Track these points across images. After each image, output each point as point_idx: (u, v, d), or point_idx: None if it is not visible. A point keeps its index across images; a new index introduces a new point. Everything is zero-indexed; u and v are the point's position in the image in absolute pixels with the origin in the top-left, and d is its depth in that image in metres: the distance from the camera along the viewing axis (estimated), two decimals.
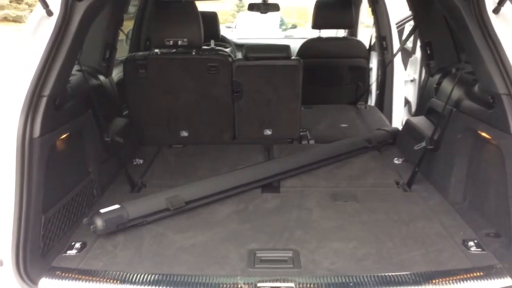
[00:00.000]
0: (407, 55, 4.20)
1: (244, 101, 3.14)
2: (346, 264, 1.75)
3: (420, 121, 2.77)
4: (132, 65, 3.04)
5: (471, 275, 1.66)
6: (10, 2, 23.82)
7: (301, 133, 3.29)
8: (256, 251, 1.82)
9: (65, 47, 1.87)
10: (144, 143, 3.11)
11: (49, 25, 1.85)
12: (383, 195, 2.36)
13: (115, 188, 2.44)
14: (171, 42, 2.98)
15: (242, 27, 14.34)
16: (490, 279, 1.64)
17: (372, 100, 4.45)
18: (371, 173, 2.62)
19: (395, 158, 2.84)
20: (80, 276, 1.69)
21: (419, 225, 2.04)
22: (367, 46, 4.31)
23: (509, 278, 1.64)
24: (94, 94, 2.38)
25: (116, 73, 3.30)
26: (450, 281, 1.63)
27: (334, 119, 3.61)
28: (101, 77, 2.80)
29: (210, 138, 3.20)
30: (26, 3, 24.83)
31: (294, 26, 14.05)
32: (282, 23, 15.09)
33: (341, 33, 5.17)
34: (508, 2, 1.86)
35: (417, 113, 3.26)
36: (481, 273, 1.67)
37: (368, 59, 4.19)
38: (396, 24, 4.09)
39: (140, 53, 3.31)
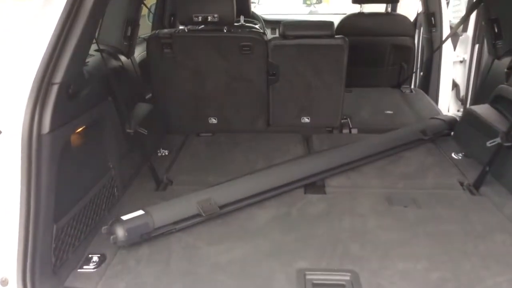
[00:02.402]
0: (456, 34, 3.80)
1: (280, 85, 2.81)
2: None
3: (486, 111, 2.40)
4: (157, 43, 2.72)
5: None
6: None
7: (342, 121, 2.95)
8: (306, 272, 1.52)
9: (80, 24, 1.54)
10: (169, 131, 2.83)
11: None
12: (448, 199, 2.02)
13: (139, 186, 2.16)
14: (200, 18, 2.65)
15: (265, 2, 13.89)
16: None
17: (416, 83, 4.08)
18: (430, 171, 2.28)
19: (453, 153, 2.49)
20: None
21: (498, 239, 1.71)
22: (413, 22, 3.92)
23: None
24: (115, 78, 2.08)
25: (139, 53, 3.01)
26: None
27: (378, 105, 3.26)
28: (122, 58, 2.51)
29: (242, 125, 2.89)
30: None
31: (319, 1, 13.56)
32: None
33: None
34: None
35: (477, 101, 2.88)
36: None
37: (414, 37, 3.80)
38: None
39: (165, 30, 2.98)
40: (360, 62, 3.56)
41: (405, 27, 3.69)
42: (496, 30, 2.48)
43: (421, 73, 3.95)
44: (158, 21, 3.69)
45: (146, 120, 2.40)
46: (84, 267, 1.58)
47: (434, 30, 3.65)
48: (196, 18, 2.66)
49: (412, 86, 3.98)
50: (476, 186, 2.11)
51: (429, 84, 3.74)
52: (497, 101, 2.37)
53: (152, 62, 2.80)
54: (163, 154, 2.55)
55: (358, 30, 3.60)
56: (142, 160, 2.27)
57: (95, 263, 1.59)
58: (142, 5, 2.73)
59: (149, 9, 3.45)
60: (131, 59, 2.66)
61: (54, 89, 1.48)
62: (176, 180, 2.24)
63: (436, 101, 3.62)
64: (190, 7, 2.67)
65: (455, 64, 3.84)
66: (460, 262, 1.58)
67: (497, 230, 1.77)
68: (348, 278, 1.50)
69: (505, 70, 2.34)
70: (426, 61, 3.75)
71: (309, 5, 14.26)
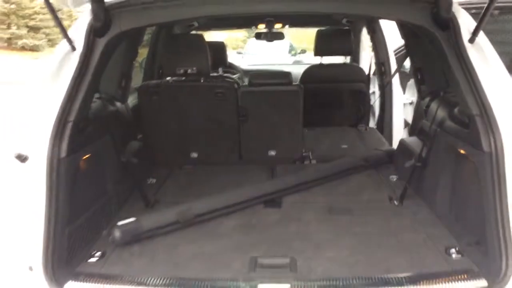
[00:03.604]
0: (405, 79, 4.42)
1: (249, 124, 3.38)
2: (338, 269, 1.94)
3: (412, 141, 2.97)
4: (146, 92, 3.31)
5: (450, 277, 1.85)
6: (28, 31, 24.58)
7: (303, 154, 3.51)
8: (257, 258, 2.03)
9: (87, 78, 2.12)
10: (156, 164, 3.34)
11: (74, 58, 2.11)
12: (376, 209, 2.55)
13: (131, 204, 2.67)
14: (182, 71, 3.25)
15: (252, 53, 14.68)
16: (467, 281, 1.83)
17: (369, 122, 4.66)
18: (367, 190, 2.83)
19: (391, 176, 3.04)
20: (100, 280, 1.90)
21: (406, 236, 2.23)
22: (368, 71, 4.55)
23: (484, 280, 1.82)
24: (112, 119, 2.64)
25: (131, 100, 3.57)
26: (431, 282, 1.82)
27: (336, 141, 3.83)
28: (118, 104, 3.06)
29: (218, 159, 3.43)
30: (43, 33, 25.62)
31: (303, 51, 14.32)
32: (291, 48, 15.43)
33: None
34: (481, 32, 2.08)
35: (411, 133, 3.47)
36: (459, 276, 1.85)
37: (367, 83, 4.42)
38: (394, 51, 4.33)
39: (154, 81, 3.59)
40: (321, 105, 4.16)
41: (359, 75, 4.31)
42: (419, 77, 3.08)
43: (377, 114, 4.55)
44: (148, 73, 4.29)
45: (137, 153, 2.92)
46: (90, 259, 2.07)
47: (384, 77, 4.27)
48: (179, 71, 3.26)
49: (371, 125, 4.57)
50: (400, 200, 2.64)
51: (384, 123, 4.33)
52: (420, 133, 2.94)
53: (142, 107, 3.38)
54: (151, 182, 3.06)
55: (319, 78, 4.22)
56: (133, 186, 2.79)
57: (97, 257, 2.09)
58: (134, 61, 3.32)
59: (140, 64, 4.06)
60: (125, 105, 3.22)
61: (69, 125, 2.02)
62: (162, 200, 2.74)
63: (390, 137, 4.19)
64: (174, 62, 3.27)
65: (406, 106, 4.45)
66: (374, 251, 2.09)
67: (407, 230, 2.29)
68: (288, 261, 2.00)
69: (424, 108, 2.93)
70: (380, 103, 4.36)
71: (294, 55, 15.08)
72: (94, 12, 2.12)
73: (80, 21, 2.18)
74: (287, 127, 3.39)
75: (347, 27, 4.78)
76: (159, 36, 4.28)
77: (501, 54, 4.66)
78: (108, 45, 2.19)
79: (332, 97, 4.24)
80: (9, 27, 24.38)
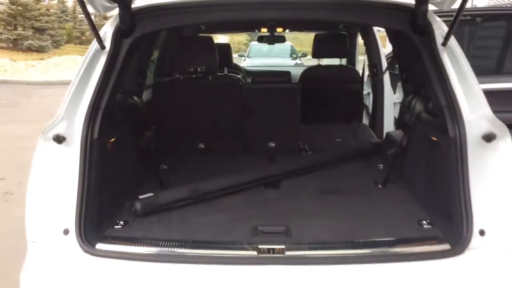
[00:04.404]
0: (396, 80, 4.80)
1: (252, 118, 3.75)
2: (325, 235, 2.30)
3: (397, 133, 3.34)
4: (160, 88, 3.69)
5: (420, 242, 2.20)
6: (33, 33, 25.01)
7: (301, 146, 3.88)
8: (258, 226, 2.39)
9: (114, 73, 2.48)
10: (168, 152, 3.71)
11: (103, 56, 2.47)
12: (362, 191, 2.92)
13: (147, 185, 3.02)
14: (192, 69, 3.63)
15: (254, 56, 15.02)
16: (434, 245, 2.18)
17: (367, 120, 5.04)
18: (355, 175, 3.19)
19: (378, 164, 3.40)
20: (125, 242, 2.25)
21: (385, 211, 2.60)
22: (361, 72, 4.93)
23: (447, 244, 2.17)
24: (131, 110, 3.00)
25: (146, 95, 3.94)
26: (403, 246, 2.18)
27: (330, 135, 4.20)
28: (135, 98, 3.43)
29: (223, 149, 3.80)
30: (48, 34, 26.06)
31: (304, 55, 14.67)
32: (293, 52, 15.80)
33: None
34: (452, 37, 2.44)
35: (397, 127, 3.84)
36: (428, 241, 2.21)
37: (361, 83, 4.80)
38: (386, 56, 4.70)
39: (167, 78, 3.97)
40: (318, 103, 4.53)
41: (353, 76, 4.70)
42: (404, 77, 3.45)
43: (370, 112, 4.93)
44: (159, 70, 4.67)
45: (151, 142, 3.29)
46: (115, 226, 2.43)
47: (376, 78, 4.65)
48: (189, 69, 3.64)
49: (364, 122, 4.95)
50: (384, 183, 3.01)
51: (376, 120, 4.70)
52: (403, 126, 3.31)
53: (156, 101, 3.75)
54: (163, 168, 3.43)
55: (316, 79, 4.60)
56: (149, 169, 3.15)
57: (121, 225, 2.44)
58: (150, 60, 3.69)
59: (154, 63, 4.45)
60: (141, 100, 3.59)
61: (100, 112, 2.38)
62: (174, 183, 3.11)
63: (382, 134, 4.56)
64: (185, 61, 3.65)
65: (396, 105, 4.82)
66: (357, 222, 2.45)
67: (388, 207, 2.66)
68: (283, 228, 2.36)
69: (407, 104, 3.29)
70: (373, 103, 4.73)
71: (294, 59, 15.44)
72: (121, 16, 2.48)
73: (109, 23, 2.55)
74: (286, 121, 3.76)
75: (343, 32, 5.16)
76: (170, 38, 4.66)
77: (487, 58, 5.06)
78: (132, 45, 2.56)
79: (328, 96, 4.61)
80: (15, 28, 24.84)
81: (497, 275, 2.09)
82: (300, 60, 14.74)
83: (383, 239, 2.23)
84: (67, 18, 33.07)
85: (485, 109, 2.25)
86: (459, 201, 2.17)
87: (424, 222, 2.41)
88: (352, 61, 5.72)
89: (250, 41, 21.03)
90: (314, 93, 4.28)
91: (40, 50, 24.66)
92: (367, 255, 2.15)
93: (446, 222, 2.31)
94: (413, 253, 2.14)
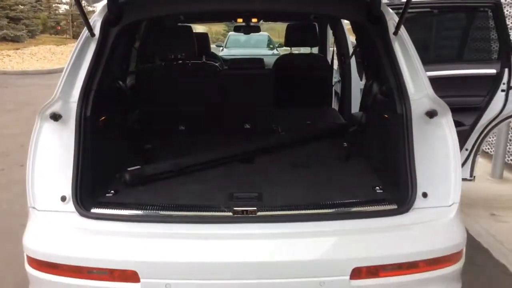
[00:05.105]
0: (362, 68, 5.17)
1: (229, 102, 4.07)
2: (293, 199, 2.65)
3: (359, 114, 3.71)
4: (143, 74, 3.98)
5: (372, 203, 2.58)
6: (8, 23, 24.70)
7: (274, 127, 4.22)
8: (233, 193, 2.72)
9: (104, 58, 2.78)
10: (151, 134, 4.00)
11: (93, 43, 2.74)
12: (327, 165, 3.29)
13: (134, 161, 3.33)
14: (172, 56, 3.93)
15: (231, 46, 15.28)
16: (383, 206, 2.55)
17: (336, 104, 5.41)
18: (322, 152, 3.56)
19: (343, 143, 3.77)
20: (116, 206, 2.55)
21: (345, 180, 2.96)
22: (331, 60, 5.30)
23: (395, 205, 2.54)
24: (118, 93, 3.29)
25: (129, 81, 4.22)
26: (358, 206, 2.55)
27: (301, 118, 4.55)
28: (120, 83, 3.71)
29: (202, 130, 4.11)
30: (23, 24, 25.76)
31: (281, 45, 15.03)
32: (269, 42, 16.12)
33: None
34: (402, 26, 2.79)
35: (360, 109, 4.22)
36: (378, 202, 2.58)
37: (330, 70, 5.17)
38: (353, 46, 5.07)
39: (149, 64, 4.26)
40: (291, 88, 4.89)
41: (323, 63, 5.06)
42: (366, 64, 3.81)
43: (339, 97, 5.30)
44: (142, 58, 4.93)
45: (136, 124, 3.59)
46: (107, 195, 2.73)
47: (344, 66, 5.01)
48: (170, 56, 3.94)
49: (334, 107, 5.33)
50: (346, 158, 3.38)
51: (343, 104, 5.08)
52: (364, 107, 3.69)
53: (139, 86, 4.04)
54: (147, 147, 3.72)
55: (289, 66, 4.94)
56: (134, 149, 3.45)
57: (112, 193, 2.75)
58: (133, 47, 3.97)
59: (137, 50, 4.72)
60: (125, 84, 3.87)
61: (92, 92, 2.67)
62: (157, 158, 3.41)
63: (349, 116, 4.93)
64: (165, 49, 3.95)
65: (362, 90, 5.20)
66: (321, 189, 2.81)
67: (348, 177, 3.02)
68: (256, 195, 2.71)
69: (367, 88, 3.65)
70: (341, 89, 5.10)
71: (271, 49, 15.79)
72: (109, 6, 2.77)
73: (98, 13, 2.83)
74: (260, 105, 4.09)
75: (314, 23, 5.51)
76: (150, 27, 4.93)
77: (451, 48, 5.39)
78: (119, 33, 2.85)
79: (298, 82, 4.96)
80: None
81: (436, 228, 2.47)
82: (277, 50, 15.09)
83: (342, 201, 2.59)
84: (42, 8, 32.65)
85: (428, 90, 2.61)
86: (405, 168, 2.54)
87: (377, 188, 2.78)
88: (323, 50, 6.08)
89: (228, 32, 21.25)
90: (286, 79, 4.63)
91: (15, 40, 24.40)
92: (328, 213, 2.50)
93: (395, 187, 2.68)
94: (367, 211, 2.51)
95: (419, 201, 2.49)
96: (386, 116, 2.85)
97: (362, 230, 2.41)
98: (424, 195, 2.49)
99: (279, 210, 2.52)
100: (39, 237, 2.41)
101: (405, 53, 2.72)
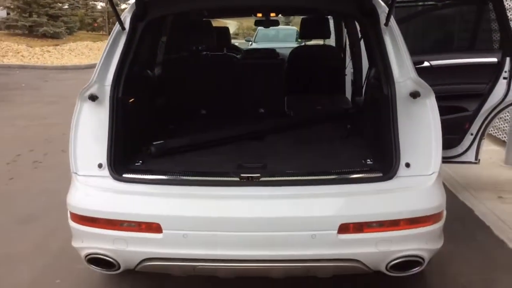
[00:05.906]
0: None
1: (245, 88, 4.52)
2: (293, 168, 3.06)
3: (361, 99, 4.09)
4: (170, 64, 4.47)
5: (361, 170, 2.97)
6: (48, 20, 25.78)
7: (286, 112, 4.64)
8: (242, 164, 3.16)
9: (133, 48, 3.26)
10: (175, 116, 4.48)
11: (124, 35, 3.20)
12: (329, 141, 3.69)
13: (159, 137, 3.80)
14: (194, 48, 4.41)
15: (260, 41, 15.66)
16: (370, 174, 2.94)
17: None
18: (327, 132, 3.96)
19: (348, 125, 4.16)
20: (144, 172, 3.01)
21: (342, 154, 3.36)
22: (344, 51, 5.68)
23: (380, 173, 2.91)
24: (146, 80, 3.78)
25: (157, 70, 4.71)
26: (350, 173, 2.95)
27: (313, 104, 4.95)
28: (149, 71, 4.20)
29: (222, 115, 4.57)
30: (62, 21, 26.83)
31: (309, 40, 15.24)
32: (298, 36, 16.47)
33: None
34: (392, 18, 3.15)
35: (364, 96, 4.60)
36: (366, 170, 2.98)
37: (342, 60, 5.54)
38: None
39: (174, 55, 4.76)
40: (305, 78, 5.29)
41: (334, 53, 5.44)
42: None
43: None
44: (168, 49, 5.41)
45: (162, 108, 4.07)
46: (135, 164, 3.20)
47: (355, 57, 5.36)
48: (193, 48, 4.41)
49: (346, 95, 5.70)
50: (346, 136, 3.77)
51: (356, 92, 5.44)
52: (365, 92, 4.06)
53: (165, 75, 4.53)
54: (171, 127, 4.21)
55: (303, 56, 5.34)
56: (160, 127, 3.93)
57: (140, 163, 3.22)
58: (160, 40, 4.46)
59: (164, 44, 5.22)
60: (153, 73, 4.36)
61: (123, 77, 3.12)
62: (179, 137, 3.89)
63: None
64: (189, 41, 4.42)
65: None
66: (319, 161, 3.21)
67: (345, 151, 3.42)
68: (261, 165, 3.13)
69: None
70: (353, 77, 5.46)
71: (300, 42, 16.15)
72: (137, 3, 3.24)
73: (127, 10, 3.31)
74: (273, 91, 4.53)
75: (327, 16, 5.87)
76: (175, 22, 5.42)
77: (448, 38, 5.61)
78: (146, 26, 3.32)
79: (313, 71, 5.35)
80: (30, 15, 25.62)
81: (416, 193, 2.82)
82: (305, 43, 15.35)
83: (337, 170, 2.99)
84: (79, 5, 33.83)
85: (411, 74, 2.97)
86: (390, 142, 2.91)
87: (368, 160, 3.17)
88: (339, 42, 6.43)
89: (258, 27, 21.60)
90: (300, 69, 5.03)
91: (54, 36, 25.44)
92: (321, 179, 2.89)
93: (383, 158, 3.06)
94: (355, 178, 2.90)
95: (402, 170, 2.83)
96: (377, 97, 3.23)
97: (349, 193, 2.79)
98: (407, 165, 2.84)
99: (279, 177, 2.94)
100: (80, 197, 2.87)
101: (394, 42, 3.07)
